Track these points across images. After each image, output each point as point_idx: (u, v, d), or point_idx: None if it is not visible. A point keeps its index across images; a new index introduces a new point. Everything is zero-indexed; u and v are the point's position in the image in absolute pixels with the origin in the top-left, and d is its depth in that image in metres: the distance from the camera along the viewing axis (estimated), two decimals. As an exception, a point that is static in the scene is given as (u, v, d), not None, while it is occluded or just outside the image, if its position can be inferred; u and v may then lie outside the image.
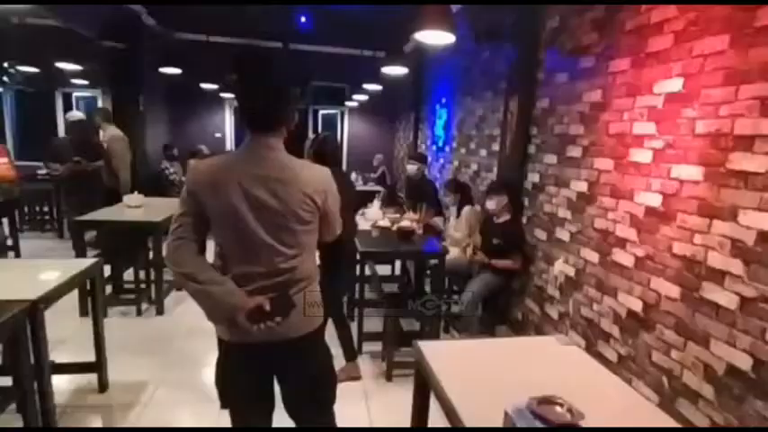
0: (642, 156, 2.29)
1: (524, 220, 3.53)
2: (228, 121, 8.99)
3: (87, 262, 2.45)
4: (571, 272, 2.87)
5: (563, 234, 2.97)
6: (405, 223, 3.79)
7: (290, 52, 7.94)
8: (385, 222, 3.95)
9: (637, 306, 2.30)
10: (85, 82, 7.80)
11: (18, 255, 5.06)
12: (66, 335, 3.20)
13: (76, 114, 5.49)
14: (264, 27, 6.92)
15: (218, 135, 8.80)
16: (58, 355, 2.94)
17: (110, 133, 5.14)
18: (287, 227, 1.44)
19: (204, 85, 7.39)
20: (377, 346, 3.27)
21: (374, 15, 5.63)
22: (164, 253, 1.45)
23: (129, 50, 6.27)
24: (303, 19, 5.66)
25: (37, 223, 6.45)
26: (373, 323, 3.45)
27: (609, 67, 2.57)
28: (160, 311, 3.85)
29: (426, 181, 4.67)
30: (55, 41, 5.79)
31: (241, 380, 1.56)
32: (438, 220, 4.41)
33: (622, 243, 2.41)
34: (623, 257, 2.40)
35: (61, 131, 7.56)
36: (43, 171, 6.31)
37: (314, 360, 1.60)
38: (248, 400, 1.59)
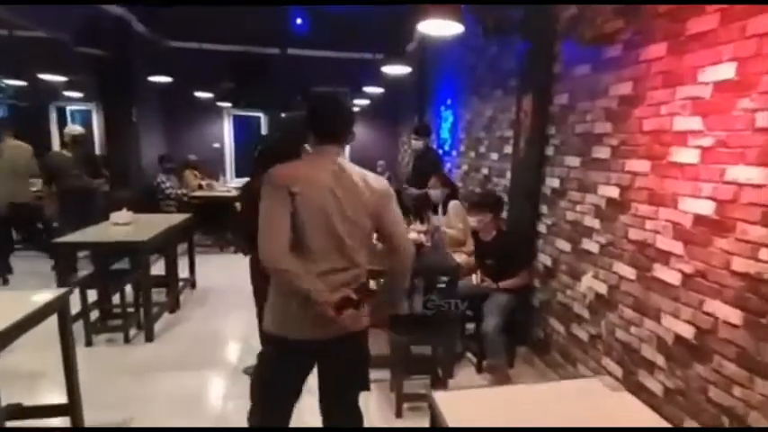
0: (686, 155, 1.96)
1: (543, 228, 3.20)
2: (228, 130, 8.74)
3: (49, 296, 2.14)
4: (602, 288, 2.53)
5: (591, 245, 2.64)
6: (411, 235, 3.47)
7: (287, 58, 7.69)
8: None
9: (687, 332, 1.96)
10: (79, 95, 7.59)
11: (5, 279, 4.81)
12: (48, 367, 2.88)
13: (76, 128, 5.25)
14: (261, 33, 6.68)
15: (216, 145, 8.56)
16: (33, 392, 2.67)
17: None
18: (362, 227, 1.63)
19: (199, 94, 7.15)
20: (384, 374, 2.94)
21: (374, 17, 5.37)
22: (265, 256, 1.50)
23: (119, 59, 6.04)
24: (299, 21, 5.39)
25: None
26: (380, 345, 3.12)
27: (640, 54, 2.25)
28: (149, 338, 3.55)
29: (431, 151, 5.02)
30: (41, 53, 5.57)
31: (291, 375, 1.69)
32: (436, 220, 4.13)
33: (665, 257, 2.08)
34: (667, 274, 2.07)
35: (55, 146, 7.32)
36: (35, 189, 6.07)
37: (365, 350, 1.79)
38: (288, 394, 1.73)
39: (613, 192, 2.44)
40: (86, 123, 7.90)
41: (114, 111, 6.38)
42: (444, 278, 3.12)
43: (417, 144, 4.79)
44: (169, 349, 3.44)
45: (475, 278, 3.31)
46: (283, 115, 8.35)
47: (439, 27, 2.32)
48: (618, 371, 2.40)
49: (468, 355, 3.37)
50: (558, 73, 3.02)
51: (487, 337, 2.94)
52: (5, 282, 4.80)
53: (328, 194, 1.55)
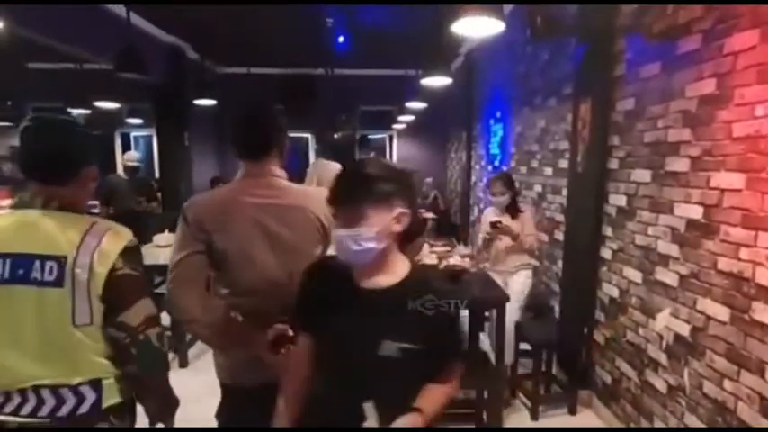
0: (797, 166, 1.54)
1: (608, 254, 2.77)
2: (277, 151, 8.86)
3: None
4: (684, 330, 2.08)
5: (667, 277, 2.20)
6: (454, 260, 3.16)
7: (333, 78, 7.70)
8: (431, 259, 3.34)
9: (807, 395, 1.51)
10: (140, 121, 8.02)
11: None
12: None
13: (131, 155, 5.50)
14: (306, 54, 6.72)
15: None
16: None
17: None
18: (301, 254, 1.35)
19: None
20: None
21: (418, 33, 5.20)
22: (166, 299, 1.34)
23: (172, 86, 6.27)
24: (341, 39, 5.32)
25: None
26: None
27: (724, 46, 1.86)
28: (183, 363, 3.47)
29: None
30: (104, 83, 5.89)
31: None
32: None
33: (770, 295, 1.64)
34: (774, 317, 1.62)
35: (119, 170, 7.75)
36: (96, 211, 6.40)
37: None
38: None
39: (695, 212, 2.01)
40: (148, 148, 8.33)
41: (168, 135, 6.62)
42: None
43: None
44: (201, 376, 3.30)
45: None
46: (336, 136, 8.36)
47: (477, 26, 2.04)
48: (708, 434, 1.93)
49: (522, 397, 2.97)
50: (620, 75, 2.63)
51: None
52: None
53: (253, 227, 1.34)
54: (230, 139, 1.45)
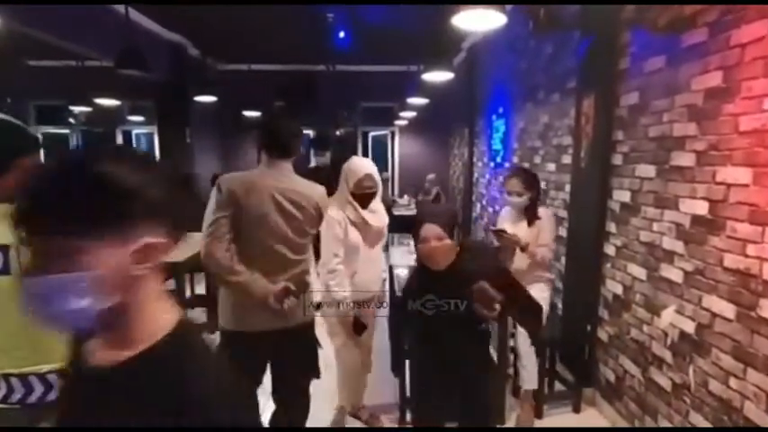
0: (806, 160, 1.51)
1: (611, 250, 2.74)
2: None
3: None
4: (689, 327, 2.05)
5: (672, 273, 2.17)
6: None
7: (333, 74, 7.66)
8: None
9: (816, 394, 1.47)
10: (141, 118, 8.01)
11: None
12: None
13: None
14: (307, 50, 6.69)
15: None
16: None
17: None
18: (303, 230, 1.89)
19: (248, 113, 7.26)
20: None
21: (419, 30, 5.16)
22: (201, 252, 1.74)
23: (173, 83, 6.26)
24: (342, 34, 5.28)
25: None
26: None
27: (731, 38, 1.82)
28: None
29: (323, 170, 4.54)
30: (106, 81, 5.87)
31: (250, 369, 1.84)
32: None
33: (778, 292, 1.61)
34: (782, 315, 1.59)
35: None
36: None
37: (314, 341, 2.03)
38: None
39: (701, 207, 1.98)
40: (150, 145, 8.34)
41: (169, 132, 6.63)
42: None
43: (321, 159, 4.67)
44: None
45: None
46: (337, 132, 8.34)
47: (478, 20, 2.01)
48: None
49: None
50: (624, 69, 2.59)
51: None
52: None
53: (273, 203, 1.79)
54: (262, 141, 1.87)
